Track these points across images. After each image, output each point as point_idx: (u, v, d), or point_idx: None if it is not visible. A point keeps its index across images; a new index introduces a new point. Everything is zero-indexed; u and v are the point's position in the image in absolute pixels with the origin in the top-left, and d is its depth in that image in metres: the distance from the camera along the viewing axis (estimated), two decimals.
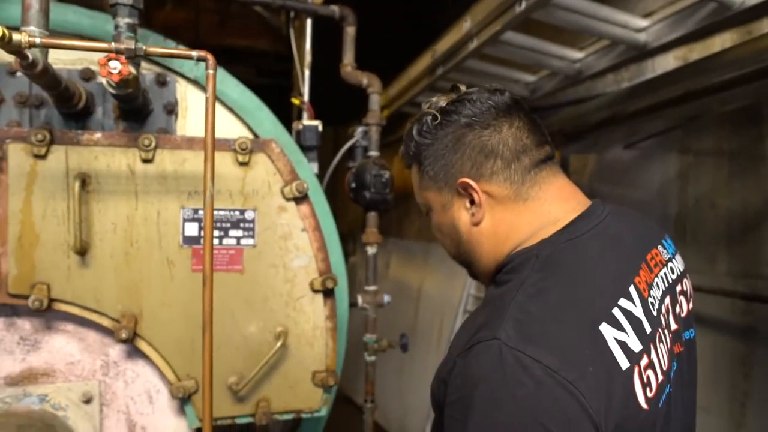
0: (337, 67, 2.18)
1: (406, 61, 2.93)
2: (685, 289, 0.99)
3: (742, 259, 2.14)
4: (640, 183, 2.57)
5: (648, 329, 0.84)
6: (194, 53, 1.18)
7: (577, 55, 2.45)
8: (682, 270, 1.00)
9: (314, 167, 2.01)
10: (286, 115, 2.37)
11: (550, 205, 0.91)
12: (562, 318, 0.77)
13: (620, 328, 0.80)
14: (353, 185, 2.15)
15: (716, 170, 2.25)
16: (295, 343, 1.63)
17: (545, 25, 2.05)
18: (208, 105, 1.18)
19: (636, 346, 0.80)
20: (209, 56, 1.18)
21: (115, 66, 1.23)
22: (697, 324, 2.32)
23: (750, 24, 2.01)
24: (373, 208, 2.18)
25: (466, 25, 2.23)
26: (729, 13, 1.76)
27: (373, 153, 2.18)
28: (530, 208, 0.91)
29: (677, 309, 0.95)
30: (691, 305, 1.01)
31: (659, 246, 0.97)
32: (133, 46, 1.15)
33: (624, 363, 0.77)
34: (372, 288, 2.19)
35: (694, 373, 1.00)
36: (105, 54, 1.23)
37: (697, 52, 2.25)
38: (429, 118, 0.95)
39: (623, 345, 0.79)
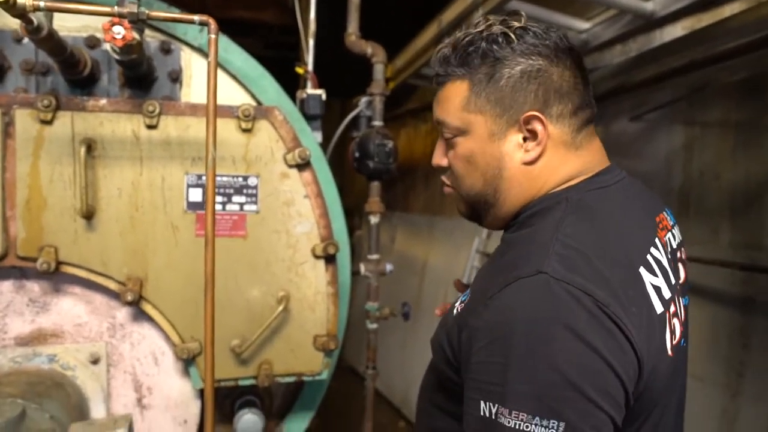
0: (344, 39, 2.18)
1: (412, 31, 2.91)
2: (683, 257, 1.00)
3: (745, 230, 2.15)
4: (646, 155, 2.57)
5: (672, 279, 0.87)
6: (196, 18, 1.19)
7: (584, 25, 2.43)
8: (681, 239, 1.02)
9: (318, 136, 2.02)
10: (293, 87, 2.38)
11: (591, 157, 0.91)
12: (606, 257, 0.77)
13: (654, 273, 0.82)
14: (357, 155, 2.17)
15: (721, 142, 2.24)
16: (297, 308, 1.67)
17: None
18: (210, 69, 1.19)
19: (666, 293, 0.83)
20: (211, 21, 1.19)
21: (119, 31, 1.24)
22: (697, 294, 2.33)
23: None
24: (377, 178, 2.20)
25: None
26: None
27: (377, 123, 2.18)
28: (578, 157, 0.89)
29: (680, 274, 0.96)
30: (686, 274, 1.02)
31: (664, 212, 0.99)
32: (135, 10, 1.16)
33: (659, 308, 0.79)
34: (374, 257, 2.22)
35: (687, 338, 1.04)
36: (109, 19, 1.24)
37: (705, 21, 2.22)
38: (501, 35, 0.86)
39: (658, 290, 0.81)
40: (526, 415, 0.69)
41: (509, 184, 0.89)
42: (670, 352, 0.81)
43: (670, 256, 0.91)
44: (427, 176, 4.65)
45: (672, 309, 0.85)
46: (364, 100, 2.23)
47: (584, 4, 2.29)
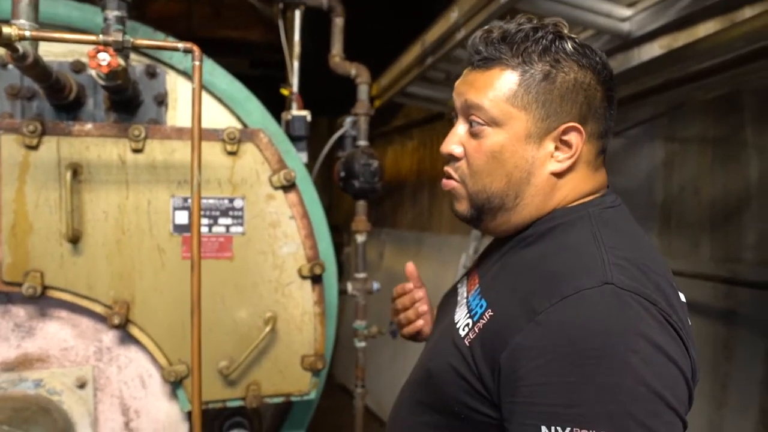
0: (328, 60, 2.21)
1: (396, 51, 2.96)
2: None
3: (725, 244, 2.19)
4: (627, 171, 2.61)
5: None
6: (180, 45, 1.21)
7: None
8: None
9: (303, 157, 2.04)
10: (279, 105, 2.40)
11: (604, 180, 0.91)
12: (652, 271, 0.76)
13: (678, 289, 0.84)
14: (342, 174, 2.19)
15: (700, 157, 2.29)
16: (284, 328, 1.68)
17: (534, 14, 2.08)
18: (194, 96, 1.21)
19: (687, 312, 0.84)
20: (195, 48, 1.21)
21: (104, 58, 1.26)
22: None
23: (732, 13, 2.04)
24: (362, 197, 2.22)
25: (453, 15, 2.26)
26: (708, 2, 1.79)
27: (362, 142, 2.21)
28: (595, 179, 0.89)
29: None
30: None
31: None
32: (120, 39, 1.18)
33: (689, 319, 0.80)
34: (361, 275, 2.24)
35: None
36: (94, 46, 1.26)
37: (681, 40, 2.27)
38: (559, 37, 0.84)
39: (684, 307, 0.82)
40: None
41: (534, 191, 0.86)
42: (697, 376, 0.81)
43: None
44: (415, 193, 4.69)
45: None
46: (348, 120, 2.26)
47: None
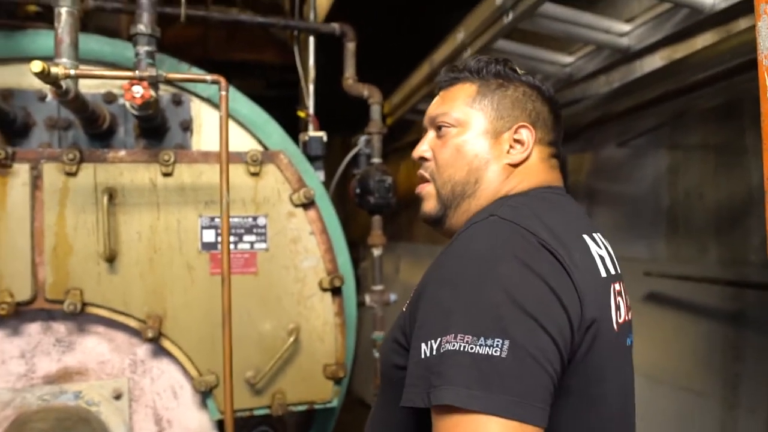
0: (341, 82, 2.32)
1: (406, 69, 3.07)
2: (621, 290, 0.94)
3: (731, 247, 2.24)
4: (634, 179, 2.68)
5: (612, 272, 0.90)
6: (208, 77, 1.32)
7: (567, 59, 2.57)
8: (618, 271, 0.98)
9: (320, 175, 2.14)
10: (295, 124, 2.50)
11: (556, 177, 1.00)
12: (552, 216, 0.84)
13: (598, 246, 0.90)
14: (358, 191, 2.28)
15: (703, 163, 2.35)
16: (306, 339, 1.76)
17: (535, 32, 2.18)
18: (222, 123, 1.32)
19: (610, 269, 0.89)
20: (221, 79, 1.32)
21: (138, 90, 1.38)
22: (690, 310, 2.41)
23: (727, 24, 2.12)
24: (378, 212, 2.31)
25: (459, 35, 2.36)
26: (701, 16, 1.87)
27: (376, 160, 2.30)
28: (547, 173, 0.98)
29: (620, 306, 0.91)
30: (629, 316, 0.97)
31: (599, 233, 1.01)
32: (155, 74, 1.29)
33: (603, 272, 0.85)
34: (378, 287, 2.32)
35: (632, 380, 0.97)
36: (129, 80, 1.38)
37: (681, 52, 2.36)
38: (508, 67, 1.00)
39: (601, 259, 0.87)
40: (471, 336, 0.69)
41: (491, 177, 0.95)
42: (615, 328, 0.83)
43: (609, 260, 0.94)
44: None
45: (616, 287, 0.88)
46: (362, 138, 2.35)
47: (566, 41, 2.43)
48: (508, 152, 0.96)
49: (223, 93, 1.32)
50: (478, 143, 0.96)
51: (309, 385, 1.77)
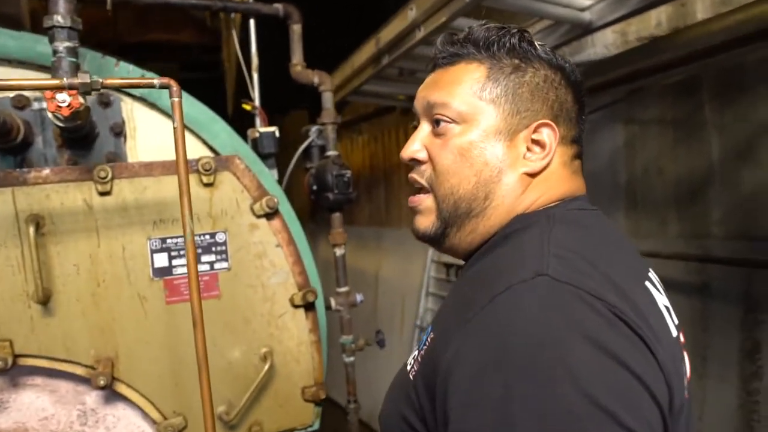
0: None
1: (350, 48, 2.86)
2: (684, 341, 0.80)
3: (691, 221, 2.26)
4: (591, 154, 2.65)
5: (676, 320, 0.75)
6: (156, 81, 1.09)
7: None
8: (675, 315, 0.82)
9: (274, 174, 1.94)
10: (219, 110, 2.23)
11: (581, 185, 0.83)
12: (608, 263, 0.65)
13: (660, 292, 0.72)
14: (314, 187, 2.10)
15: (661, 138, 2.34)
16: (281, 362, 1.59)
17: (497, 8, 2.05)
18: (177, 135, 1.10)
19: (674, 319, 0.72)
20: (173, 83, 1.10)
21: (64, 99, 1.13)
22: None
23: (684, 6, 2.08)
24: (338, 209, 2.14)
25: (411, 13, 2.19)
26: None
27: (332, 152, 2.12)
28: (572, 181, 0.81)
29: (685, 362, 0.76)
30: (687, 368, 0.77)
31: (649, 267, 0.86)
32: (88, 80, 1.04)
33: (673, 329, 0.68)
34: (344, 289, 2.16)
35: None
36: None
37: (634, 25, 2.31)
38: (525, 39, 0.79)
39: (668, 310, 0.70)
40: None
41: (506, 191, 0.77)
42: (685, 392, 0.68)
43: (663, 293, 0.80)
44: (370, 188, 4.62)
45: (682, 339, 0.74)
46: (314, 129, 2.16)
47: (524, 17, 2.32)
48: (524, 157, 0.77)
49: (176, 99, 1.10)
50: (488, 147, 0.76)
51: (287, 411, 1.61)
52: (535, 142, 0.77)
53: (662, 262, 2.25)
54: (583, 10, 2.07)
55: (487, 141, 0.77)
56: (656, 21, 2.25)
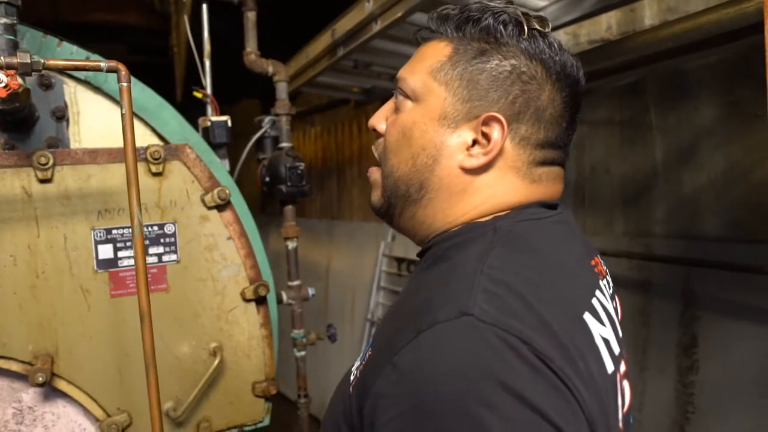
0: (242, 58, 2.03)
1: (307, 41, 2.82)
2: (625, 369, 0.77)
3: (636, 220, 2.34)
4: None
5: (620, 332, 0.75)
6: (103, 64, 1.04)
7: None
8: (613, 289, 0.85)
9: (225, 164, 1.89)
10: (167, 97, 2.14)
11: (546, 193, 0.77)
12: (544, 297, 0.60)
13: (602, 322, 0.68)
14: (267, 179, 2.06)
15: (609, 138, 2.42)
16: (231, 357, 1.56)
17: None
18: (125, 122, 1.05)
19: (615, 347, 0.69)
20: (121, 67, 1.05)
21: (1, 79, 1.06)
22: None
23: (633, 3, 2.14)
24: (291, 202, 2.11)
25: (367, 5, 2.18)
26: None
27: (285, 144, 2.09)
28: (529, 190, 0.74)
29: (624, 392, 0.74)
30: (630, 391, 0.78)
31: (597, 255, 0.86)
32: (27, 60, 0.98)
33: (609, 365, 0.65)
34: (296, 282, 2.14)
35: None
36: None
37: (585, 28, 2.37)
38: (514, 22, 0.72)
39: (607, 344, 0.67)
40: None
41: (439, 184, 0.73)
42: (620, 424, 0.66)
43: (612, 309, 0.77)
44: (322, 180, 4.58)
45: (622, 369, 0.71)
46: (267, 119, 2.12)
47: None
48: (467, 149, 0.72)
49: (124, 84, 1.05)
50: (429, 131, 0.73)
51: (237, 407, 1.58)
52: (485, 136, 0.71)
53: (608, 259, 2.33)
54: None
55: (429, 123, 0.73)
56: (606, 25, 2.32)
